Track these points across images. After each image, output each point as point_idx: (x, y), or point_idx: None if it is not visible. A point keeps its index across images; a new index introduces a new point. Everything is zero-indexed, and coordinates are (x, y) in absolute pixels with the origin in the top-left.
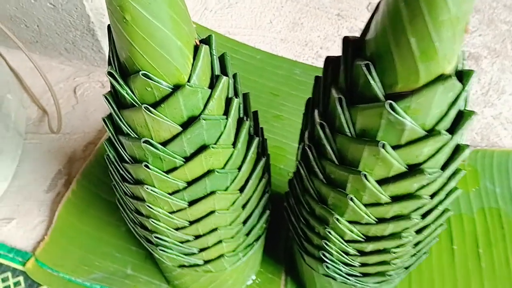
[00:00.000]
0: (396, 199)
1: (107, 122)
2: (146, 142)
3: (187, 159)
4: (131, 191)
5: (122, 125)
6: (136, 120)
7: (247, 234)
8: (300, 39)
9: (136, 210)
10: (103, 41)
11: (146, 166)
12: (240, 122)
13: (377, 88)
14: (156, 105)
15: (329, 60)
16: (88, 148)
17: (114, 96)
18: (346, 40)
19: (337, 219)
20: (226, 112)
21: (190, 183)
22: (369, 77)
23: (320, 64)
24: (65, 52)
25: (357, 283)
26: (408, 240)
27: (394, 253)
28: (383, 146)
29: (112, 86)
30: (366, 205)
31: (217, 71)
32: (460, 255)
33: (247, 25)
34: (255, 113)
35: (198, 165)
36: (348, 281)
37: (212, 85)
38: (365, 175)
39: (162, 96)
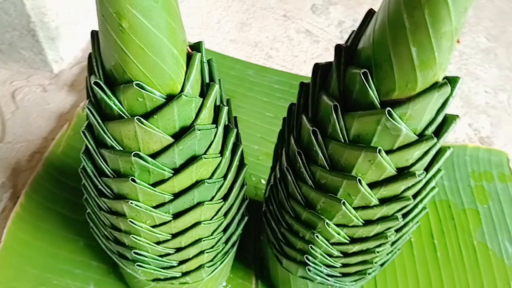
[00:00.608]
0: (384, 201)
1: (86, 134)
2: (136, 155)
3: (176, 170)
4: (110, 206)
5: (107, 138)
6: (124, 132)
7: (226, 242)
8: (249, 39)
9: (113, 226)
10: (44, 42)
11: (133, 180)
12: (226, 130)
13: (374, 95)
14: (147, 116)
15: (317, 67)
16: (33, 158)
17: (96, 107)
18: (339, 48)
19: (327, 224)
20: (215, 121)
21: (177, 195)
22: (366, 85)
23: (271, 64)
24: (0, 54)
25: (336, 283)
26: (390, 240)
27: (377, 252)
28: (379, 152)
29: (94, 96)
30: (355, 208)
31: (207, 79)
32: (417, 247)
33: (194, 24)
34: (235, 118)
35: (188, 177)
36: (327, 281)
37: (203, 94)
38: (359, 180)
39: (154, 107)
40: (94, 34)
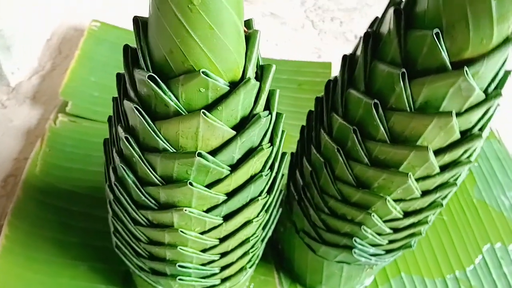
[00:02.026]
0: (444, 168)
1: (130, 140)
2: (199, 155)
3: (234, 167)
4: (152, 218)
5: (159, 140)
6: (182, 130)
7: (263, 239)
8: None
9: (151, 241)
10: None
11: (191, 184)
12: (277, 116)
13: (445, 57)
14: (208, 109)
15: (368, 35)
16: (8, 183)
17: (141, 107)
18: (398, 12)
19: (387, 201)
20: (267, 106)
21: (230, 194)
22: (439, 46)
23: None
24: None
25: (377, 261)
26: (443, 207)
27: (428, 222)
28: (454, 116)
29: (137, 94)
30: (417, 180)
31: (260, 61)
32: None
33: None
34: None
35: (245, 172)
36: (369, 261)
37: (257, 77)
38: (428, 149)
39: (216, 97)
40: (138, 22)
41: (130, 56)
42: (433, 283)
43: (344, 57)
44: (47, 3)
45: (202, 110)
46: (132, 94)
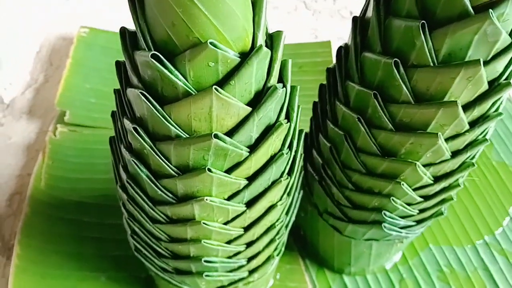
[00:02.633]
0: (473, 124)
1: (139, 130)
2: (216, 136)
3: (252, 147)
4: (172, 214)
5: (170, 126)
6: (194, 112)
7: (287, 225)
8: None
9: (172, 239)
10: None
11: (209, 170)
12: (291, 89)
13: (467, 0)
14: (220, 85)
15: None
16: (13, 201)
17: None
18: None
19: (418, 166)
20: (280, 79)
21: (251, 178)
22: None
23: None
24: None
25: (408, 234)
26: (475, 166)
27: (459, 185)
28: (482, 64)
29: (140, 79)
30: (446, 140)
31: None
32: None
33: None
34: None
35: (265, 152)
36: (399, 235)
37: (266, 46)
38: (458, 104)
39: (227, 71)
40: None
41: (128, 39)
42: (463, 251)
43: (355, 19)
44: (31, 16)
45: (214, 86)
46: (135, 80)
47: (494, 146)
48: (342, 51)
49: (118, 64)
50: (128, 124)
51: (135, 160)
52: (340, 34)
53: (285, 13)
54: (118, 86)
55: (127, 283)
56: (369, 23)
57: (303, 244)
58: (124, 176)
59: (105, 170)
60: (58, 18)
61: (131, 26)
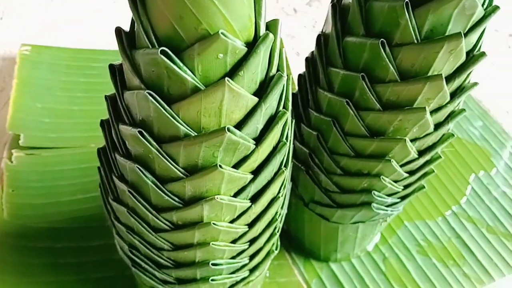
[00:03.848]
0: (453, 95)
1: (145, 135)
2: (229, 130)
3: (258, 139)
4: (177, 218)
5: (179, 126)
6: (204, 107)
7: (282, 217)
8: None
9: (176, 247)
10: None
11: (220, 166)
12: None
13: None
14: (229, 76)
15: None
16: None
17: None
18: None
19: (406, 141)
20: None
21: (256, 172)
22: None
23: None
24: None
25: (392, 211)
26: (454, 136)
27: (440, 156)
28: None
29: (141, 79)
30: (431, 113)
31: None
32: None
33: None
34: None
35: (269, 143)
36: (385, 213)
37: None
38: (442, 77)
39: (235, 62)
40: None
41: (125, 40)
42: (435, 224)
43: (334, 6)
44: None
45: (226, 78)
46: (136, 81)
47: None
48: (322, 38)
49: (112, 67)
50: (128, 129)
51: (139, 167)
52: (288, 31)
53: None
54: (71, 104)
55: None
56: (347, 9)
57: (288, 239)
58: (122, 186)
59: (71, 191)
60: None
61: (72, 41)
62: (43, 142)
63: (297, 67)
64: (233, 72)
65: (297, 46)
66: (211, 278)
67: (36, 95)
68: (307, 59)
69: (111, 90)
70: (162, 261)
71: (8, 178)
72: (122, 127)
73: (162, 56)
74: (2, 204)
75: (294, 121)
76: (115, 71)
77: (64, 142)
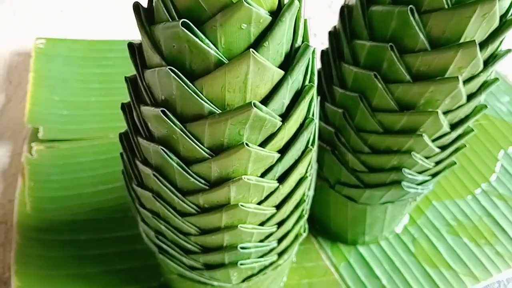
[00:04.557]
0: (486, 63)
1: (168, 114)
2: (255, 105)
3: (284, 116)
4: (204, 201)
5: (203, 103)
6: (229, 82)
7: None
8: None
9: (203, 231)
10: None
11: (247, 144)
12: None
13: None
14: (254, 48)
15: None
16: None
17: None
18: None
19: (438, 114)
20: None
21: (283, 150)
22: None
23: None
24: None
25: (422, 190)
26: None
27: (472, 131)
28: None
29: (164, 57)
30: (463, 83)
31: None
32: None
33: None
34: None
35: (296, 119)
36: (416, 191)
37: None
38: (476, 44)
39: (259, 32)
40: None
41: (143, 15)
42: (464, 203)
43: None
44: None
45: (251, 49)
46: (157, 58)
47: None
48: (345, 10)
49: (132, 46)
50: (150, 110)
51: (163, 148)
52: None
53: None
54: (88, 96)
55: None
56: None
57: (313, 223)
58: (147, 170)
59: (92, 183)
60: (6, 35)
61: (86, 33)
62: (62, 134)
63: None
64: (257, 43)
65: (314, 28)
66: (239, 263)
67: (53, 88)
68: (330, 33)
69: None
70: (189, 246)
71: (29, 172)
72: (144, 108)
73: (184, 29)
74: (25, 198)
75: (319, 98)
76: (135, 50)
77: (83, 133)
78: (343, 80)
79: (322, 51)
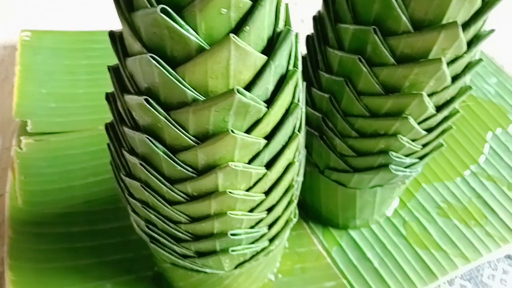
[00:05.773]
0: (469, 44)
1: (151, 102)
2: (238, 91)
3: (269, 101)
4: (192, 189)
5: (186, 90)
6: (211, 68)
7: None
8: None
9: (193, 219)
10: None
11: (232, 131)
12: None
13: None
14: (235, 33)
15: None
16: None
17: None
18: None
19: (423, 95)
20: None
21: (269, 136)
22: None
23: None
24: None
25: (410, 173)
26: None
27: (458, 112)
28: None
29: (145, 44)
30: (447, 65)
31: None
32: None
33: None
34: None
35: (281, 104)
36: (405, 174)
37: None
38: (458, 24)
39: (240, 17)
40: None
41: (122, 2)
42: (454, 185)
43: None
44: None
45: (231, 34)
46: (138, 46)
47: None
48: None
49: (113, 34)
50: (134, 98)
51: (148, 137)
52: None
53: None
54: (75, 87)
55: (135, 285)
56: None
57: (304, 209)
58: (134, 160)
59: (83, 175)
60: None
61: (71, 24)
62: (50, 127)
63: (303, 34)
64: (238, 28)
65: (301, 13)
66: (231, 249)
67: (40, 81)
68: (314, 17)
69: None
70: (180, 234)
71: (19, 165)
72: (128, 97)
73: (163, 15)
74: (16, 192)
75: (305, 84)
76: (116, 38)
77: (72, 126)
78: (328, 65)
79: (308, 36)
